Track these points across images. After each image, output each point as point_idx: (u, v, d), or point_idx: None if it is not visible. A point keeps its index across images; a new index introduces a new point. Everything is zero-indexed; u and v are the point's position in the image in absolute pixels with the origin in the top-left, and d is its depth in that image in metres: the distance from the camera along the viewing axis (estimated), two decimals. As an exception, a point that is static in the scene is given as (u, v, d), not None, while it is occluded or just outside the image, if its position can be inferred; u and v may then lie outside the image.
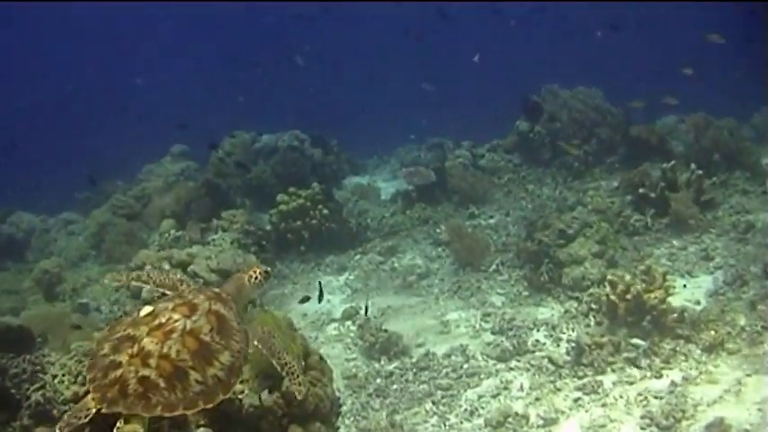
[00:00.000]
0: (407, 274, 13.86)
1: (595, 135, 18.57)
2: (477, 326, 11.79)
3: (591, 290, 11.76)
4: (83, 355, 7.30)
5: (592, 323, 10.99)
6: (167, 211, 17.19)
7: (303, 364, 5.87)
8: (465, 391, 10.17)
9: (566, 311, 11.65)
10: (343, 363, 11.36)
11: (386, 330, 11.48)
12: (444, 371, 10.66)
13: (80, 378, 5.52)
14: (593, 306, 11.17)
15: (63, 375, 6.66)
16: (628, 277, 10.26)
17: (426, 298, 13.12)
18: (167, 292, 4.99)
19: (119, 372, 4.17)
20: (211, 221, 15.98)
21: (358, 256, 15.36)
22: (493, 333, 11.46)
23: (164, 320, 4.44)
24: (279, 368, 4.74)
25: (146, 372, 4.15)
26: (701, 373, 9.30)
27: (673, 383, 9.14)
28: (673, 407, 8.67)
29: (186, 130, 21.74)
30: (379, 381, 10.74)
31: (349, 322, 12.52)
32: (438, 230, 15.67)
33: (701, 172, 14.03)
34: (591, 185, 16.82)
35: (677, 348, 9.76)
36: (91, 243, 18.36)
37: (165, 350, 4.25)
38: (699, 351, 9.73)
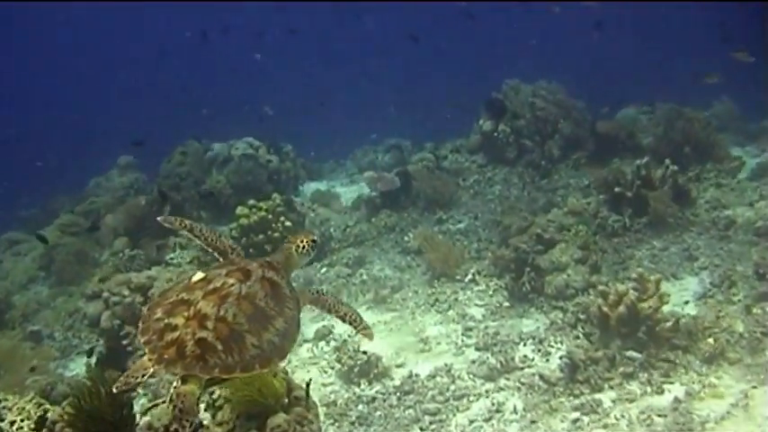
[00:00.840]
0: (379, 288, 13.14)
1: (559, 131, 18.14)
2: (460, 342, 11.15)
3: (577, 299, 11.29)
4: (39, 392, 6.60)
5: (581, 335, 10.45)
6: (120, 229, 16.37)
7: (286, 401, 5.40)
8: (454, 415, 9.52)
9: (552, 323, 11.06)
10: (320, 388, 10.65)
11: (365, 352, 10.79)
12: (430, 393, 9.98)
13: (41, 423, 5.28)
14: (581, 316, 10.66)
15: (22, 421, 6.02)
16: (621, 287, 9.73)
17: (402, 312, 12.46)
18: (217, 255, 5.01)
19: (175, 334, 4.16)
20: (168, 238, 15.22)
21: (324, 269, 14.66)
22: (477, 349, 10.83)
23: (218, 285, 4.42)
24: (341, 320, 4.94)
25: (203, 334, 4.13)
26: (704, 386, 8.82)
27: (676, 399, 8.63)
28: (680, 426, 8.18)
29: (135, 141, 20.82)
30: (360, 407, 10.05)
31: (323, 342, 11.79)
32: (406, 238, 15.07)
33: (675, 167, 13.62)
34: (560, 184, 16.36)
35: (676, 360, 9.27)
36: (39, 264, 17.45)
37: (221, 313, 4.23)
38: (698, 362, 9.25)
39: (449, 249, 13.48)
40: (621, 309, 9.47)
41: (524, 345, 10.70)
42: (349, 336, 11.78)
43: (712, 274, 11.46)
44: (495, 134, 17.89)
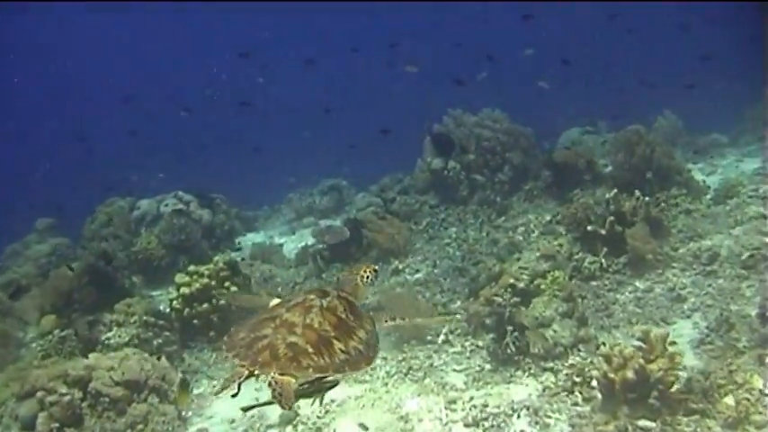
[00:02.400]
0: (344, 356, 11.87)
1: (508, 161, 17.24)
2: (444, 417, 9.91)
3: (570, 360, 10.23)
4: None
5: (579, 400, 9.40)
6: (46, 306, 14.82)
7: None
8: None
9: (544, 388, 9.91)
10: (293, 486, 9.43)
11: (342, 440, 9.57)
12: (422, 487, 8.84)
13: None
14: (576, 379, 9.60)
15: None
16: (626, 350, 8.68)
17: (372, 384, 11.17)
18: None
19: (266, 341, 4.38)
20: (100, 314, 13.81)
21: (277, 335, 13.36)
22: (466, 425, 9.59)
23: (300, 300, 4.72)
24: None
25: (293, 339, 4.37)
26: (733, 459, 7.85)
27: (706, 478, 7.65)
28: None
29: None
30: None
31: (289, 428, 10.52)
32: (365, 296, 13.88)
33: (647, 198, 12.77)
34: (519, 222, 15.38)
35: (698, 430, 8.26)
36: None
37: (308, 321, 4.51)
38: (720, 428, 8.26)
39: (416, 309, 12.27)
40: (630, 374, 8.43)
41: (518, 417, 9.49)
42: (318, 417, 10.54)
43: (706, 317, 10.59)
44: (446, 172, 16.83)
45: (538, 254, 12.40)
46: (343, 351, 4.42)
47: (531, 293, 11.35)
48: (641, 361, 8.43)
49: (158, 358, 11.52)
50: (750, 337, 9.72)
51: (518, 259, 12.74)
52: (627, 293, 11.72)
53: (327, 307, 4.67)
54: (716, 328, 10.15)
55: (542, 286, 11.29)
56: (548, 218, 14.97)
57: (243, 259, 15.88)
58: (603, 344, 9.41)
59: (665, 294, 11.43)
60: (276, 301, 5.00)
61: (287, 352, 4.26)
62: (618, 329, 10.92)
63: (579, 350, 10.36)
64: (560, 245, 12.64)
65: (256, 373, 4.23)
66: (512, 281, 11.43)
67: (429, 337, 11.91)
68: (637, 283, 11.89)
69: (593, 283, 12.07)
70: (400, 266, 14.76)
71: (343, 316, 4.69)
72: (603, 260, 12.22)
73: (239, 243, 18.79)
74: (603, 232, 12.30)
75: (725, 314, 10.32)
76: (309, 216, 20.97)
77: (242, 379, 4.22)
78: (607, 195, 12.77)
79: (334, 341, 4.43)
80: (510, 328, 10.61)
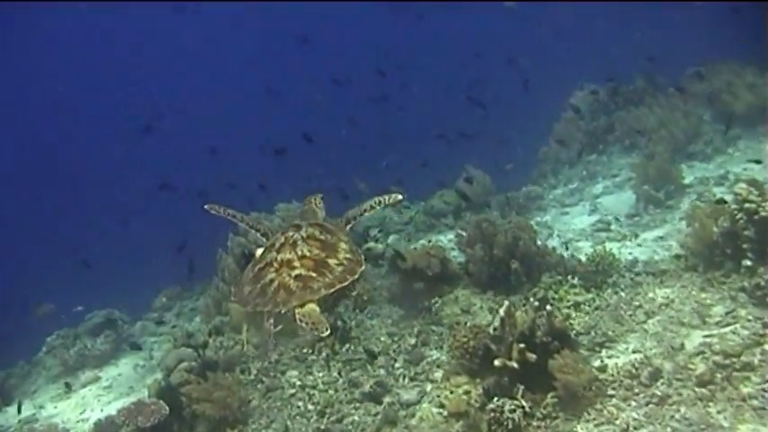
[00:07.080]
0: None
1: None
2: None
3: None
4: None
5: None
6: None
7: None
8: None
9: None
10: None
11: None
12: None
13: None
14: None
15: None
16: None
17: None
18: (260, 236, 6.64)
19: (275, 284, 5.58)
20: None
21: None
22: None
23: (283, 240, 5.92)
24: (374, 209, 6.62)
25: (296, 271, 5.59)
26: None
27: None
28: None
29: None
30: None
31: None
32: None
33: (549, 308, 10.23)
34: (374, 348, 12.38)
35: None
36: None
37: (300, 253, 5.73)
38: None
39: None
40: None
41: None
42: None
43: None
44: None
45: (445, 413, 9.48)
46: (338, 264, 5.62)
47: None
48: None
49: None
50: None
51: (408, 415, 9.80)
52: (574, 449, 9.06)
53: (307, 236, 5.85)
54: (721, 490, 7.75)
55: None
56: (411, 341, 12.13)
57: None
58: None
59: (622, 442, 8.87)
60: (260, 250, 5.97)
61: (297, 284, 5.42)
62: None
63: None
64: (467, 393, 9.78)
65: (282, 311, 5.26)
66: (423, 463, 8.47)
67: None
68: (578, 428, 9.26)
69: (522, 436, 9.31)
70: (248, 451, 11.25)
71: (323, 237, 5.90)
72: (525, 403, 9.50)
73: None
74: (515, 366, 9.59)
75: (718, 463, 7.97)
76: (84, 368, 16.64)
77: (276, 329, 5.40)
78: (501, 312, 10.03)
79: (328, 259, 5.62)
80: None
